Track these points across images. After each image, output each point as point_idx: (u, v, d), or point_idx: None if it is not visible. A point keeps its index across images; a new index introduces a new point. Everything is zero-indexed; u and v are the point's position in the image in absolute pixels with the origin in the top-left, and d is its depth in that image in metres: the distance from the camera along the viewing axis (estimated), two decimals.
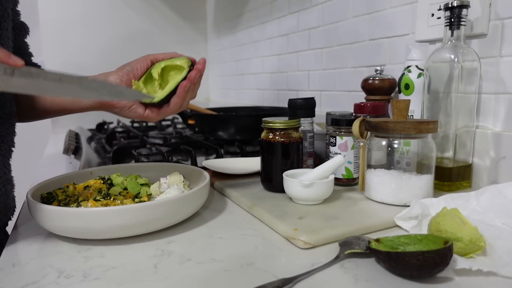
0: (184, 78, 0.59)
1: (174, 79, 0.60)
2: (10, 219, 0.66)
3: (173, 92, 0.59)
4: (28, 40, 0.72)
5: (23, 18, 0.70)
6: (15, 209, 0.67)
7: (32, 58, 0.74)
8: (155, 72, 0.61)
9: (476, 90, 0.66)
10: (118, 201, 0.57)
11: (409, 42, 0.82)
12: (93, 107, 0.66)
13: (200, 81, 0.61)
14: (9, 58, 0.41)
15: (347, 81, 1.03)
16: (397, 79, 0.78)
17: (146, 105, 0.62)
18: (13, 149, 0.64)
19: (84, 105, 0.66)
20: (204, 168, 0.77)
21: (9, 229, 0.62)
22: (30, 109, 0.70)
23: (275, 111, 1.22)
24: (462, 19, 0.64)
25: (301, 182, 0.58)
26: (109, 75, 0.62)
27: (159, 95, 0.59)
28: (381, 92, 0.79)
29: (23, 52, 0.71)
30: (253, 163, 0.81)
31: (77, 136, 1.29)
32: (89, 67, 1.71)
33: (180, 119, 1.56)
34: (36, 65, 0.74)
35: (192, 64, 0.61)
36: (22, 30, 0.68)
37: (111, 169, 0.70)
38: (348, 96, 1.03)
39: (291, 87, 1.30)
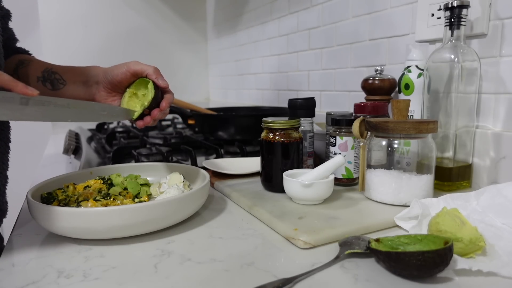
0: (154, 97, 0.60)
1: (144, 97, 0.63)
2: (5, 217, 0.67)
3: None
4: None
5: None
6: (7, 206, 0.67)
7: (18, 43, 0.74)
8: (140, 92, 0.63)
9: (476, 90, 0.66)
10: (118, 201, 0.57)
11: (409, 42, 0.82)
12: None
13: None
14: (26, 89, 0.43)
15: (347, 81, 1.03)
16: (397, 79, 0.78)
17: None
18: (10, 144, 0.64)
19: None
20: (204, 168, 0.77)
21: (7, 229, 0.62)
22: None
23: (275, 111, 1.22)
24: (462, 19, 0.64)
25: (301, 182, 0.58)
26: (97, 90, 0.64)
27: (136, 113, 0.62)
28: (381, 92, 0.79)
29: (11, 39, 0.71)
30: (253, 163, 0.81)
31: (77, 136, 1.28)
32: None
33: (180, 119, 1.56)
34: (24, 51, 0.74)
35: (157, 97, 0.62)
36: (6, 18, 0.68)
37: (111, 169, 0.70)
38: (348, 96, 1.03)
39: (291, 87, 1.30)
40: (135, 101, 0.63)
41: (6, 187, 0.65)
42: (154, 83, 0.61)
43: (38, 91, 0.44)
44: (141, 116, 0.62)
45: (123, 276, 0.41)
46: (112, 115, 0.57)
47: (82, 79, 0.65)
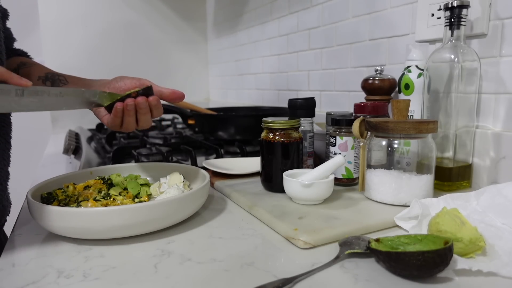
0: (148, 87, 0.58)
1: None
2: (8, 215, 0.67)
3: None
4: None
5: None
6: (11, 205, 0.67)
7: (17, 43, 0.74)
8: None
9: (476, 90, 0.66)
10: (118, 201, 0.57)
11: (409, 42, 0.82)
12: None
13: (144, 112, 0.58)
14: (21, 80, 0.44)
15: (347, 81, 1.03)
16: (397, 79, 0.78)
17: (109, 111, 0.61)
18: (11, 141, 0.64)
19: None
20: (204, 168, 0.77)
21: (8, 229, 0.62)
22: None
23: (275, 111, 1.22)
24: (462, 19, 0.64)
25: (301, 182, 0.58)
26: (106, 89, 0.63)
27: (124, 95, 0.59)
28: (381, 92, 0.79)
29: (8, 38, 0.71)
30: (253, 163, 0.81)
31: (77, 136, 1.28)
32: (88, 67, 1.71)
33: (180, 119, 1.56)
34: (23, 53, 0.74)
35: (148, 88, 0.59)
36: (3, 17, 0.68)
37: (111, 169, 0.70)
38: (348, 96, 1.03)
39: (291, 87, 1.30)
40: None
41: (8, 183, 0.65)
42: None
43: (31, 82, 0.45)
44: None
45: (123, 276, 0.41)
46: (103, 99, 0.57)
47: (86, 83, 0.65)
